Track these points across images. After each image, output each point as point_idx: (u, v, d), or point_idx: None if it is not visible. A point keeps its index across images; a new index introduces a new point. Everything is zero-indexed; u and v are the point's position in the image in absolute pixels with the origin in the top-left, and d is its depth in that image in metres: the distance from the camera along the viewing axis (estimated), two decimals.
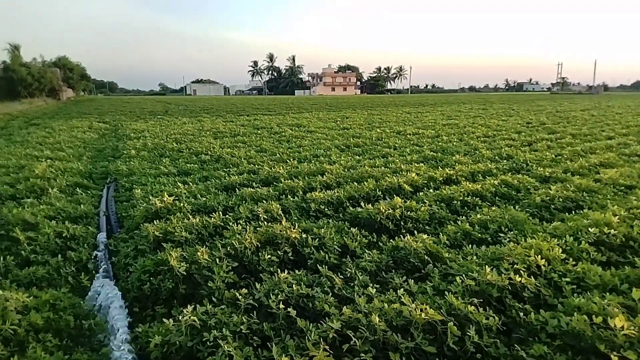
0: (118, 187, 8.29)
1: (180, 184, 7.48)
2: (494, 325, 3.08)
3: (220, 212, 5.71)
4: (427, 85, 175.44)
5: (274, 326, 3.24)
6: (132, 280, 4.25)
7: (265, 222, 5.25)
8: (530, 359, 2.78)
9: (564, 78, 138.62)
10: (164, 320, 3.34)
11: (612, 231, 4.78)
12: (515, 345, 2.97)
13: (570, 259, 4.17)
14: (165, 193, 6.52)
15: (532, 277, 3.75)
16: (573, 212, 6.04)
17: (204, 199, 6.58)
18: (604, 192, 7.09)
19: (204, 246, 4.68)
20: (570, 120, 21.15)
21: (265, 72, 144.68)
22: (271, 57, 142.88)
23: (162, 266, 4.16)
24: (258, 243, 4.63)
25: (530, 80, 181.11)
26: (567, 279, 3.82)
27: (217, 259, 4.30)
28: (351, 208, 6.09)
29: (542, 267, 3.91)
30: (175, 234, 4.98)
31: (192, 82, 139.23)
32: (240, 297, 3.57)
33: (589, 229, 4.86)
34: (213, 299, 3.72)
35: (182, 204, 6.12)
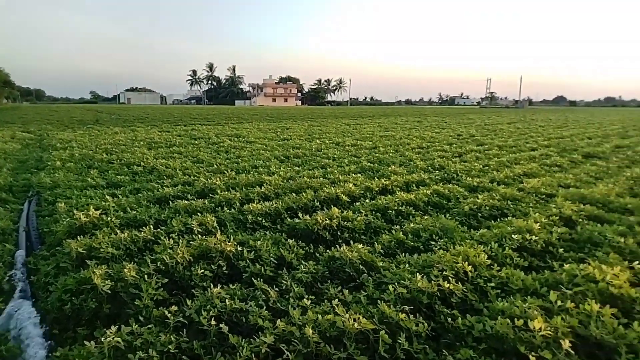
0: (40, 200, 7.76)
1: (108, 197, 7.12)
2: (423, 331, 3.16)
3: (152, 226, 5.49)
4: (366, 98, 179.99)
5: (204, 344, 3.14)
6: (52, 301, 3.96)
7: (199, 236, 5.11)
8: None
9: (492, 93, 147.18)
10: (86, 342, 3.14)
11: (534, 237, 5.08)
12: (444, 350, 3.06)
13: (495, 265, 4.38)
14: (92, 206, 6.17)
15: (459, 283, 3.89)
16: (498, 219, 6.36)
17: (134, 212, 6.30)
18: (527, 200, 7.53)
19: (132, 262, 4.46)
20: (497, 133, 22.42)
21: (205, 81, 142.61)
22: (211, 67, 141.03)
23: (85, 285, 3.91)
24: (191, 257, 4.48)
25: (462, 94, 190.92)
26: (492, 284, 4.00)
27: (146, 276, 4.12)
28: (289, 219, 6.07)
29: (469, 273, 4.07)
30: (101, 250, 4.71)
31: (126, 91, 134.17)
32: (169, 314, 3.42)
33: (513, 235, 5.14)
34: (140, 318, 3.55)
35: (109, 218, 5.82)
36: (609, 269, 4.02)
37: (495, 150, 14.59)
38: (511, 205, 7.08)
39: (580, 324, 3.15)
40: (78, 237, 5.14)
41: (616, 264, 4.31)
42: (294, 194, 7.35)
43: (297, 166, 11.24)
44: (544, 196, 7.91)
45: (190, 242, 4.89)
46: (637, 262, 4.41)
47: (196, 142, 16.56)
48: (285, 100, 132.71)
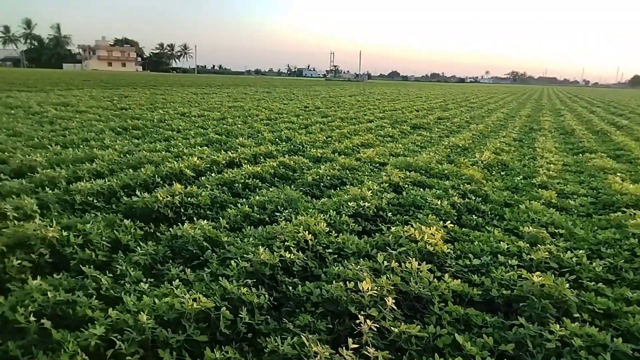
0: None
1: None
2: (265, 303, 3.24)
3: None
4: (214, 66, 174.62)
5: (22, 344, 2.78)
6: None
7: (15, 222, 4.45)
8: (297, 329, 3.01)
9: (336, 66, 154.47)
10: None
11: (367, 204, 5.53)
12: (284, 318, 3.19)
13: (333, 231, 4.67)
14: None
15: (300, 251, 4.07)
16: (338, 188, 6.78)
17: None
18: (363, 169, 8.17)
19: None
20: (340, 105, 23.70)
21: (22, 40, 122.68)
22: (28, 24, 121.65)
23: None
24: (4, 247, 3.89)
25: (309, 66, 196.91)
26: (330, 250, 4.26)
27: None
28: (126, 198, 5.62)
29: (310, 241, 4.27)
30: None
31: None
32: None
33: (349, 203, 5.52)
34: None
35: None
36: (427, 229, 4.58)
37: (337, 122, 15.41)
38: (349, 175, 7.60)
39: (402, 281, 3.55)
40: None
41: (433, 224, 4.94)
42: (131, 170, 6.84)
43: (137, 139, 10.45)
44: (377, 165, 8.66)
45: (4, 230, 4.23)
46: (449, 222, 5.11)
47: (13, 112, 14.26)
48: (124, 65, 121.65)
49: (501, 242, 4.58)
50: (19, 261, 3.75)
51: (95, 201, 5.49)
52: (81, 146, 8.90)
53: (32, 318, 2.88)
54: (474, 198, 6.29)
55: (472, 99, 36.57)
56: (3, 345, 2.77)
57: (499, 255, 4.30)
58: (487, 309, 3.51)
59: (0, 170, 6.65)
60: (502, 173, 8.52)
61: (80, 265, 3.77)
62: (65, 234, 4.20)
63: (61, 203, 5.36)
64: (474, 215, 5.73)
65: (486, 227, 5.41)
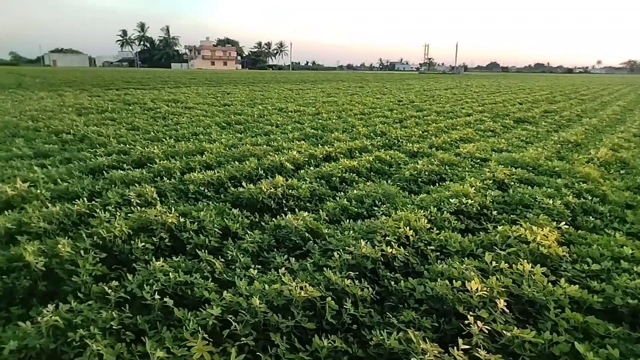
0: None
1: (37, 168, 6.65)
2: (368, 296, 3.26)
3: (86, 199, 5.19)
4: (307, 62, 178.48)
5: (149, 319, 3.06)
6: None
7: (138, 207, 4.91)
8: (401, 324, 2.98)
9: (430, 59, 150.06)
10: (20, 323, 2.97)
11: (470, 201, 5.31)
12: (388, 313, 3.18)
13: (435, 228, 4.56)
14: (19, 178, 5.75)
15: (401, 247, 4.03)
16: (437, 184, 6.59)
17: (66, 184, 5.93)
18: (463, 165, 7.86)
19: (67, 237, 4.23)
20: (435, 99, 23.00)
21: (137, 42, 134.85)
22: (142, 27, 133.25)
23: (17, 262, 3.68)
24: (130, 230, 4.31)
25: (402, 60, 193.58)
26: (432, 247, 4.16)
27: (82, 251, 3.93)
28: (232, 188, 5.96)
29: (411, 237, 4.21)
30: (32, 225, 4.42)
31: (51, 52, 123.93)
32: (110, 290, 3.30)
33: (450, 199, 5.35)
34: (79, 294, 3.40)
35: (39, 191, 5.46)
36: (539, 230, 4.30)
37: (433, 116, 14.99)
38: (449, 170, 7.36)
39: (513, 283, 3.37)
40: (5, 212, 4.79)
41: (545, 225, 4.63)
42: (236, 163, 7.22)
43: (240, 133, 11.01)
44: (478, 160, 8.28)
45: (129, 215, 4.69)
46: (564, 223, 4.75)
47: (130, 107, 15.73)
48: (225, 64, 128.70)
49: (624, 247, 4.17)
50: (142, 243, 4.13)
51: (206, 191, 5.88)
52: (191, 140, 9.57)
53: (156, 296, 3.17)
54: (590, 198, 5.78)
55: (582, 91, 33.56)
56: (133, 319, 3.07)
57: (621, 261, 3.92)
58: (609, 318, 3.22)
59: (124, 160, 7.37)
60: (622, 172, 7.73)
61: (196, 249, 4.08)
62: (182, 220, 4.56)
63: (177, 191, 5.81)
64: (590, 217, 5.27)
65: (605, 229, 4.95)
